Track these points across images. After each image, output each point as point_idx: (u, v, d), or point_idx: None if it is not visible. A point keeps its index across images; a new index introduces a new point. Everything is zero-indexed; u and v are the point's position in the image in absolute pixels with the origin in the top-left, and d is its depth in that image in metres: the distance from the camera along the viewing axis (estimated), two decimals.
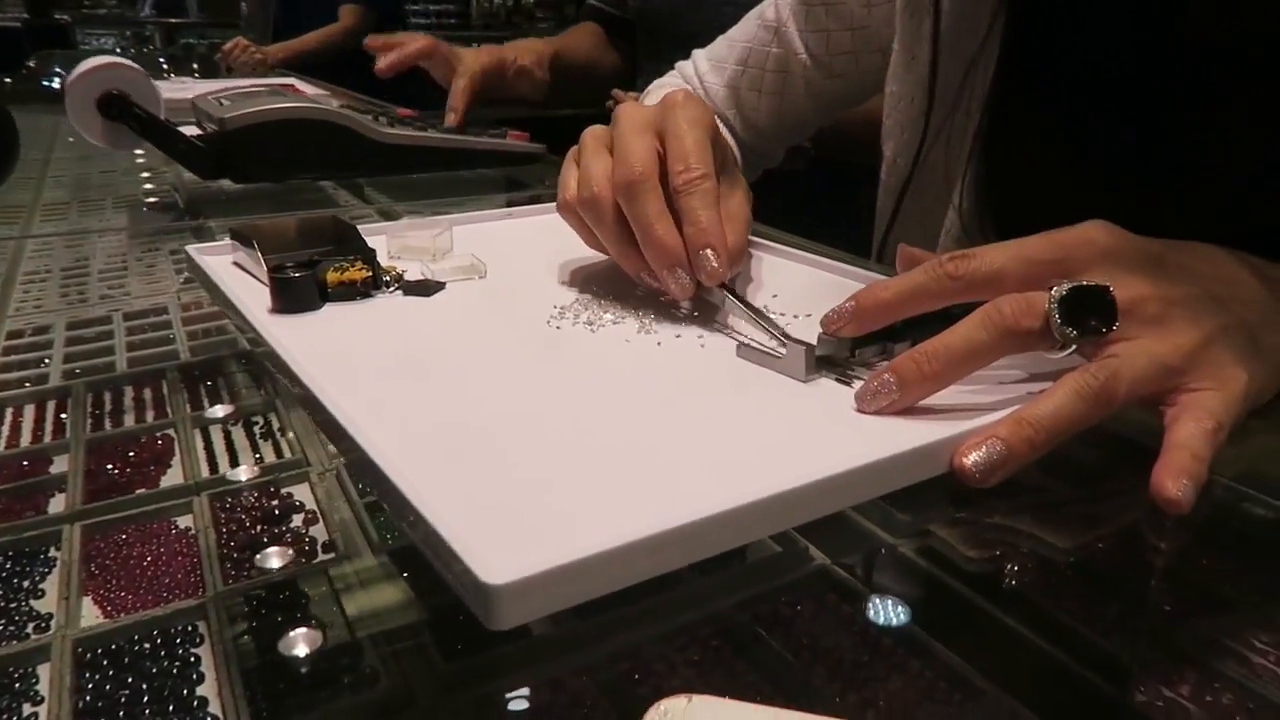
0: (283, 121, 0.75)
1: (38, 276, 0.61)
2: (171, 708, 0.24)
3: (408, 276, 0.45)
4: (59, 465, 0.37)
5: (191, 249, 0.48)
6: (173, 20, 4.86)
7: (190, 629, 0.27)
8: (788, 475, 0.25)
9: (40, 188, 0.88)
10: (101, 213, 0.79)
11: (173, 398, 0.43)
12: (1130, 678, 0.26)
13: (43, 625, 0.28)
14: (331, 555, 0.31)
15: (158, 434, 0.39)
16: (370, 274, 0.43)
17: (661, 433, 0.30)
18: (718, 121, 0.45)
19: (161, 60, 2.51)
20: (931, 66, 0.57)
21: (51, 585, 0.30)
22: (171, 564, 0.31)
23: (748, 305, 0.39)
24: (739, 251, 0.42)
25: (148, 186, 0.88)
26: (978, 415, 0.30)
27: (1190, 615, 0.29)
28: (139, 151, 0.97)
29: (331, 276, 0.42)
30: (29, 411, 0.42)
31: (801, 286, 0.46)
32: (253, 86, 0.90)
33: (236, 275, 0.46)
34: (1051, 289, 0.31)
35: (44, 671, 0.26)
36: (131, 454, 0.38)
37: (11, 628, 0.27)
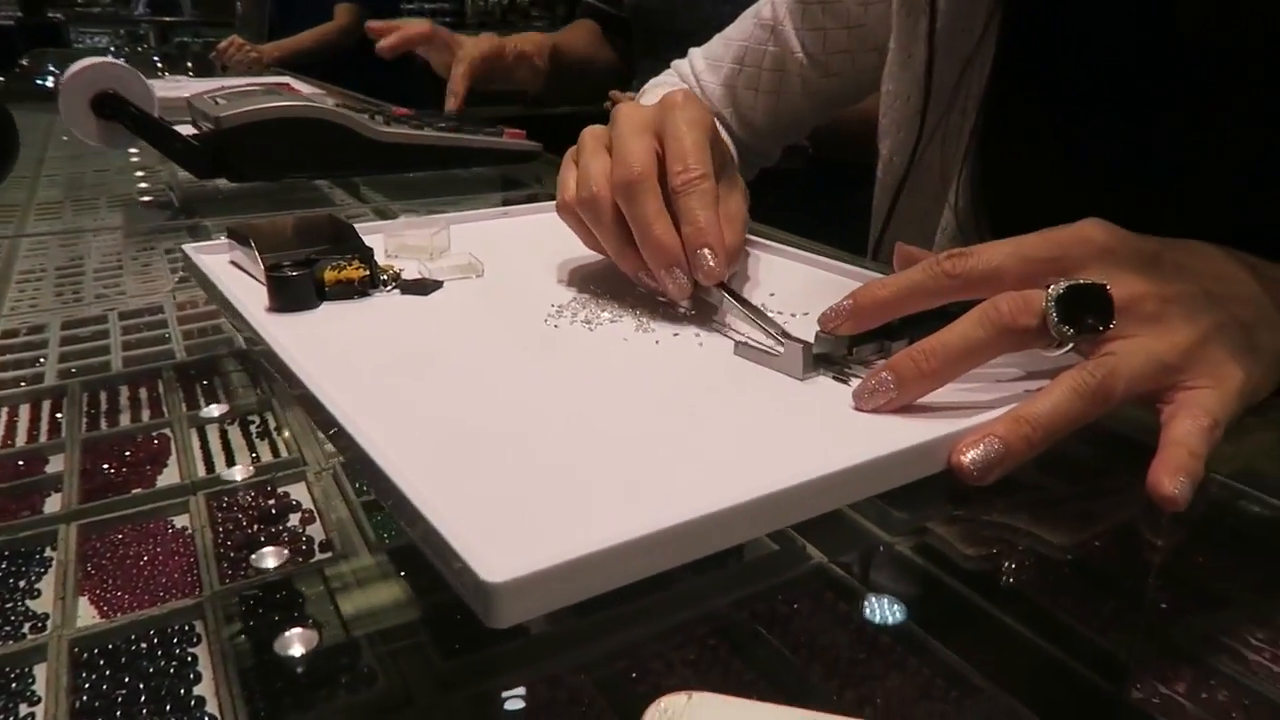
0: (279, 120, 0.75)
1: (32, 276, 0.61)
2: (168, 707, 0.24)
3: (405, 275, 0.45)
4: (55, 465, 0.37)
5: (188, 248, 0.48)
6: (167, 19, 4.84)
7: (187, 628, 0.27)
8: (786, 473, 0.26)
9: (34, 186, 0.88)
10: (96, 212, 0.78)
11: (169, 397, 0.43)
12: (1127, 674, 0.26)
13: (39, 625, 0.28)
14: (328, 554, 0.31)
15: (154, 433, 0.39)
16: (368, 273, 0.43)
17: (660, 431, 0.30)
18: (716, 122, 0.45)
19: (156, 59, 2.51)
20: (927, 65, 0.57)
21: (47, 585, 0.29)
22: (168, 564, 0.30)
23: (745, 304, 0.39)
24: (736, 251, 0.42)
25: (142, 185, 0.88)
26: (975, 413, 0.31)
27: (1187, 612, 0.29)
28: (133, 150, 0.97)
29: (329, 275, 0.42)
30: (24, 411, 0.42)
31: (799, 285, 0.46)
32: (248, 85, 0.90)
33: (233, 274, 0.46)
34: (1049, 287, 0.31)
35: (40, 671, 0.26)
36: (127, 453, 0.38)
37: (8, 628, 0.27)
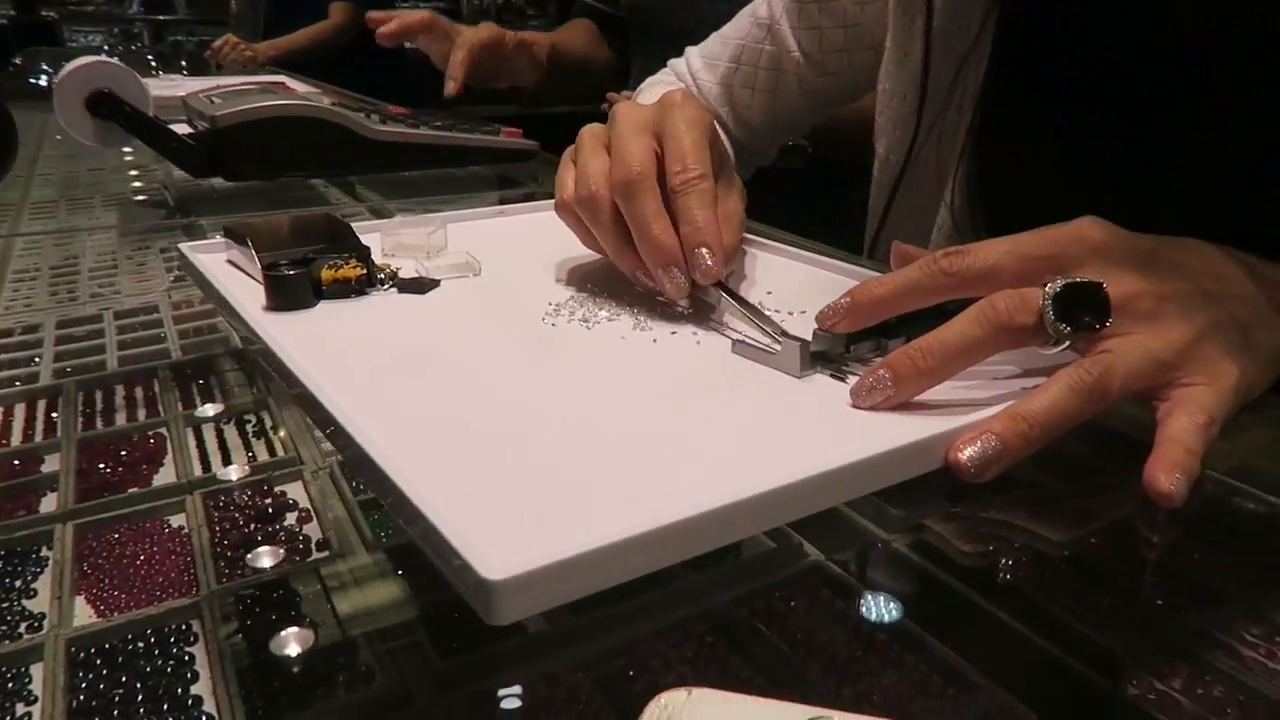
0: (275, 119, 0.75)
1: (27, 275, 0.61)
2: (166, 707, 0.24)
3: (402, 274, 0.45)
4: (50, 464, 0.37)
5: (185, 246, 0.48)
6: (161, 17, 4.82)
7: (184, 628, 0.27)
8: (784, 471, 0.26)
9: (28, 186, 0.87)
10: (90, 211, 0.78)
11: (164, 396, 0.43)
12: (1123, 670, 0.26)
13: (35, 625, 0.27)
14: (325, 553, 0.31)
15: (149, 433, 0.39)
16: (365, 272, 0.43)
17: (658, 429, 0.30)
18: (714, 122, 0.45)
19: (150, 58, 2.50)
20: (924, 64, 0.57)
21: (44, 585, 0.29)
22: (165, 563, 0.30)
23: (743, 302, 0.39)
24: (733, 251, 0.42)
25: (136, 184, 0.88)
26: (972, 410, 0.31)
27: (1182, 608, 0.29)
28: (127, 149, 0.96)
29: (326, 274, 0.42)
30: (19, 410, 0.41)
31: (796, 283, 0.46)
32: (244, 84, 0.89)
33: (230, 273, 0.46)
34: (1045, 285, 0.32)
35: (37, 671, 0.26)
36: (123, 453, 0.37)
37: (4, 627, 0.27)
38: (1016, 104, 0.53)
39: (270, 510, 0.33)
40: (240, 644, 0.26)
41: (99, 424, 0.40)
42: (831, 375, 0.34)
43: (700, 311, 0.41)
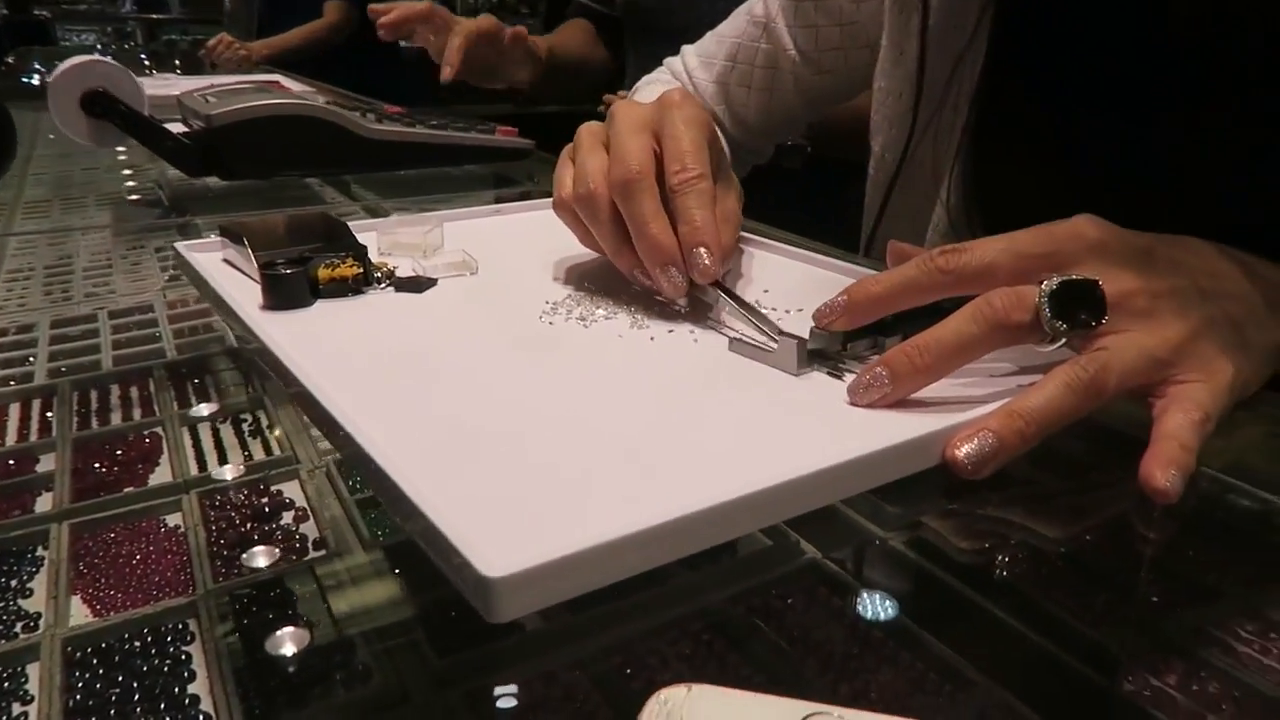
0: (270, 118, 0.75)
1: (20, 274, 0.61)
2: (163, 706, 0.24)
3: (399, 273, 0.45)
4: (45, 464, 0.37)
5: (180, 245, 0.48)
6: (154, 16, 4.81)
7: (181, 627, 0.27)
8: (781, 468, 0.26)
9: (21, 185, 0.87)
10: (84, 210, 0.78)
11: (160, 395, 0.43)
12: (1119, 667, 0.26)
13: (31, 624, 0.27)
14: (322, 552, 0.31)
15: (145, 432, 0.39)
16: (361, 271, 0.43)
17: (655, 427, 0.30)
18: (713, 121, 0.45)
19: (143, 56, 2.49)
20: (919, 62, 0.57)
21: (40, 584, 0.29)
22: (161, 562, 0.30)
23: (740, 301, 0.39)
24: (731, 250, 0.42)
25: (130, 184, 0.88)
26: (969, 408, 0.31)
27: (1178, 605, 0.29)
28: (121, 149, 0.96)
29: (323, 273, 0.42)
30: (14, 410, 0.41)
31: (792, 281, 0.46)
32: (239, 83, 0.89)
33: (227, 272, 0.45)
34: (1041, 283, 0.32)
35: (33, 671, 0.26)
36: (119, 452, 0.37)
37: (0, 627, 0.27)
38: (1012, 102, 0.53)
39: (267, 509, 0.33)
40: (237, 643, 0.26)
41: (94, 423, 0.40)
42: (828, 373, 0.34)
43: (697, 310, 0.41)
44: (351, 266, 0.42)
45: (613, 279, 0.44)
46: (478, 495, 0.26)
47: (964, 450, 0.29)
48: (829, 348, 0.35)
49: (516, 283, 0.46)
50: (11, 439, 0.39)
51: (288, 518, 0.33)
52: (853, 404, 0.32)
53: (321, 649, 0.26)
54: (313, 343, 0.37)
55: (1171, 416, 0.31)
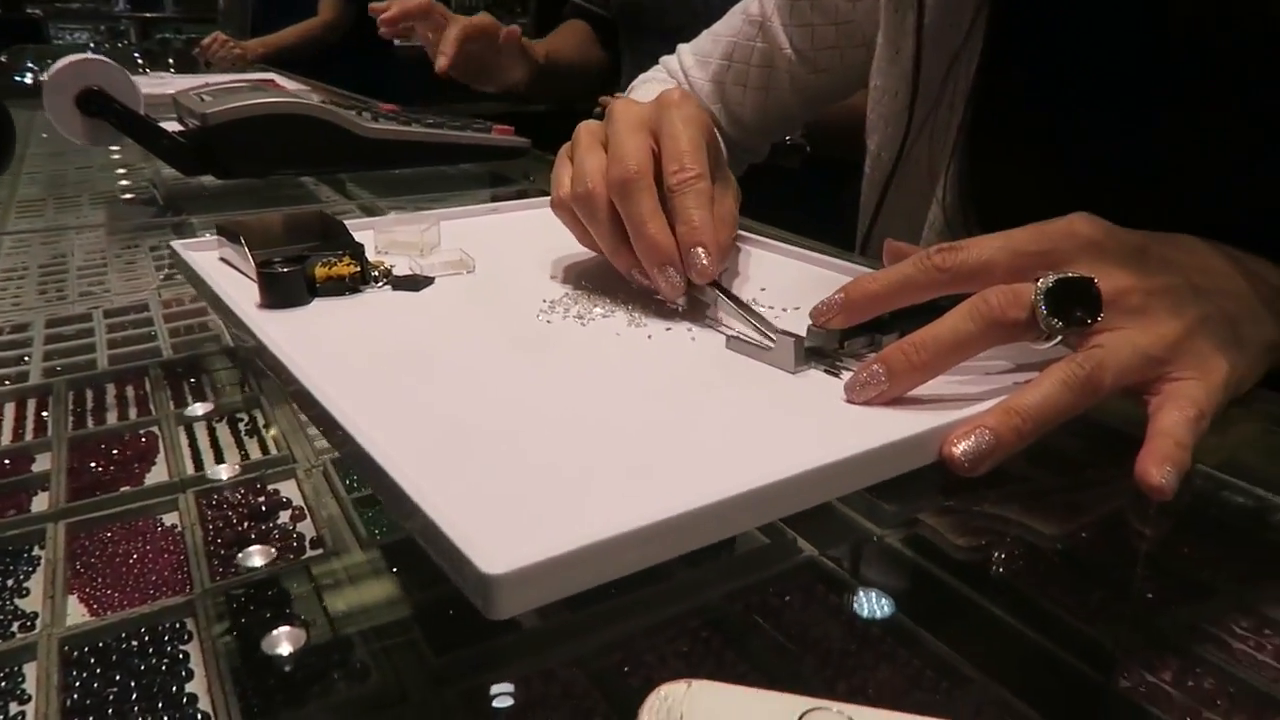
0: (266, 117, 0.75)
1: (15, 274, 0.61)
2: (160, 705, 0.24)
3: (396, 272, 0.45)
4: (41, 464, 0.37)
5: (177, 244, 0.48)
6: (148, 15, 4.79)
7: (178, 626, 0.27)
8: (778, 466, 0.26)
9: (15, 184, 0.87)
10: (78, 209, 0.78)
11: (155, 395, 0.43)
12: (1115, 663, 0.26)
13: (28, 624, 0.27)
14: (319, 551, 0.31)
15: (141, 431, 0.39)
16: (358, 269, 0.43)
17: (653, 424, 0.30)
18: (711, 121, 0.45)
19: (137, 55, 2.48)
20: (915, 60, 0.57)
21: (36, 584, 0.29)
22: (158, 561, 0.30)
23: (737, 299, 0.39)
24: (728, 250, 0.42)
25: (124, 182, 0.87)
26: (966, 405, 0.31)
27: (1173, 602, 0.29)
28: (114, 147, 0.96)
29: (320, 272, 0.41)
30: (9, 410, 0.41)
31: (789, 280, 0.46)
32: (234, 82, 0.89)
33: (223, 270, 0.45)
34: (1038, 281, 0.32)
35: (30, 670, 0.26)
36: (115, 451, 0.37)
37: None
38: (1008, 100, 0.53)
39: (263, 508, 0.33)
40: (234, 642, 0.26)
41: (90, 423, 0.40)
42: (825, 371, 0.34)
43: (695, 308, 0.41)
44: (348, 265, 0.42)
45: (610, 277, 0.44)
46: (477, 493, 0.26)
47: (961, 447, 0.29)
48: (826, 346, 0.35)
49: (514, 281, 0.46)
50: (7, 439, 0.39)
51: (284, 517, 0.33)
52: (850, 401, 0.32)
53: (319, 647, 0.26)
54: (310, 341, 0.37)
55: (1166, 414, 0.31)
